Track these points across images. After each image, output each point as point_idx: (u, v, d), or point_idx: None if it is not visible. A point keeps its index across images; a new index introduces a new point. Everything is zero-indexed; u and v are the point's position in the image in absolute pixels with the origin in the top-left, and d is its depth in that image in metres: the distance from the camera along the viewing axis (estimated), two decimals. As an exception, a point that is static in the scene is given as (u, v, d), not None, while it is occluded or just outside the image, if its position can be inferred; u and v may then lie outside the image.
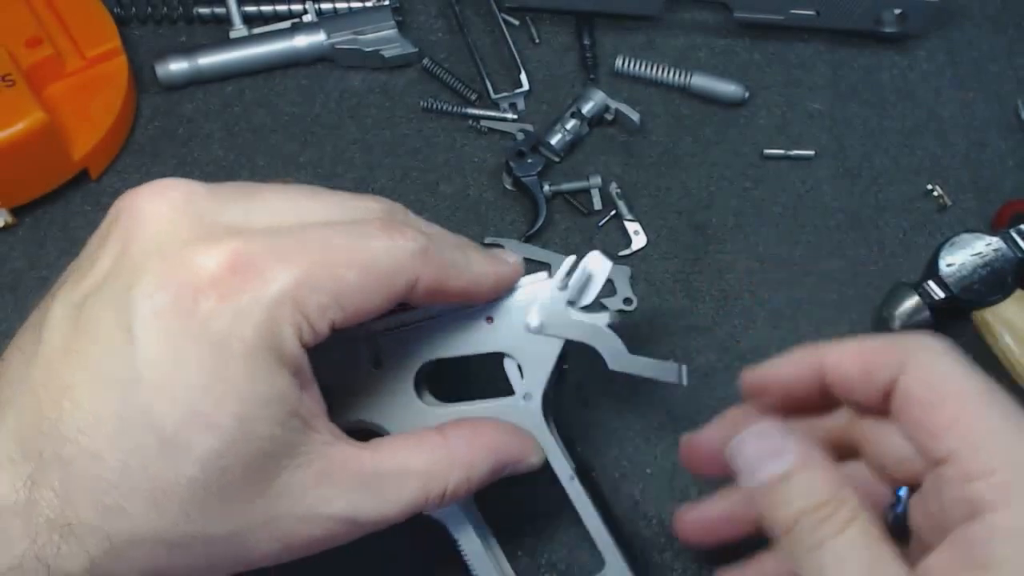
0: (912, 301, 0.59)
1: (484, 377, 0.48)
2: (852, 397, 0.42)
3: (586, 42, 0.70)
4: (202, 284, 0.35)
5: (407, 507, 0.40)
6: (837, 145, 0.68)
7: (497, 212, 0.64)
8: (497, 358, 0.47)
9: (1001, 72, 0.71)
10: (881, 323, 0.61)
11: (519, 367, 0.47)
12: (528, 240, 0.63)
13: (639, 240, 0.63)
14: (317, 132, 0.66)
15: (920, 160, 0.67)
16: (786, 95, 0.69)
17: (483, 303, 0.46)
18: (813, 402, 0.44)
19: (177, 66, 0.66)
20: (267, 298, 0.35)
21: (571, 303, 0.47)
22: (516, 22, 0.71)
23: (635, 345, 0.59)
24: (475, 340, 0.46)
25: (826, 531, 0.36)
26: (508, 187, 0.65)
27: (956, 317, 0.60)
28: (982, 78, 0.71)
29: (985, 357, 0.60)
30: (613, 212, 0.64)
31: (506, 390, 0.47)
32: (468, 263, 0.43)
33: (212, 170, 0.64)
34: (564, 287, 0.46)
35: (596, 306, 0.48)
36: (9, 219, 0.61)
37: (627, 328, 0.60)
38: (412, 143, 0.66)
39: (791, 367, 0.43)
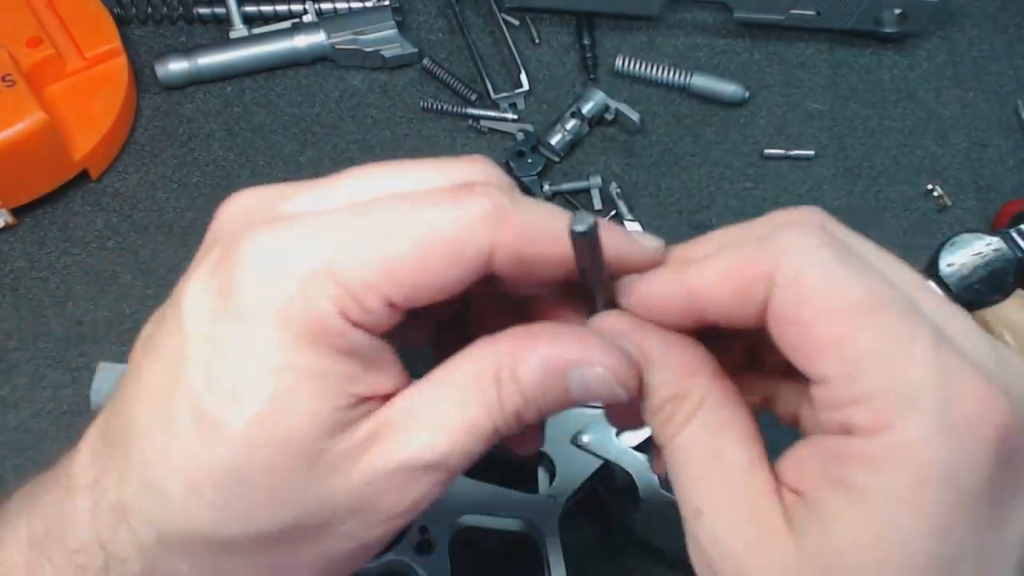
0: (912, 301, 0.59)
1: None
2: (733, 327, 0.36)
3: (586, 42, 0.69)
4: (239, 264, 0.34)
5: (471, 426, 0.34)
6: (837, 145, 0.68)
7: (497, 212, 0.64)
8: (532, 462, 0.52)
9: (1001, 72, 0.71)
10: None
11: (551, 474, 0.51)
12: (528, 240, 0.63)
13: (639, 240, 0.63)
14: (317, 132, 0.66)
15: (920, 160, 0.67)
16: (786, 95, 0.69)
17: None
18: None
19: (177, 66, 0.66)
20: (298, 271, 0.33)
21: (618, 434, 0.52)
22: (516, 22, 0.71)
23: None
24: None
25: (670, 430, 0.35)
26: (508, 187, 0.65)
27: (956, 317, 0.60)
28: (982, 78, 0.71)
29: (985, 357, 0.60)
30: (613, 212, 0.64)
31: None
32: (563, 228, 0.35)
33: (212, 170, 0.64)
34: None
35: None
36: (9, 219, 0.60)
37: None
38: (412, 143, 0.66)
39: (658, 304, 0.37)
